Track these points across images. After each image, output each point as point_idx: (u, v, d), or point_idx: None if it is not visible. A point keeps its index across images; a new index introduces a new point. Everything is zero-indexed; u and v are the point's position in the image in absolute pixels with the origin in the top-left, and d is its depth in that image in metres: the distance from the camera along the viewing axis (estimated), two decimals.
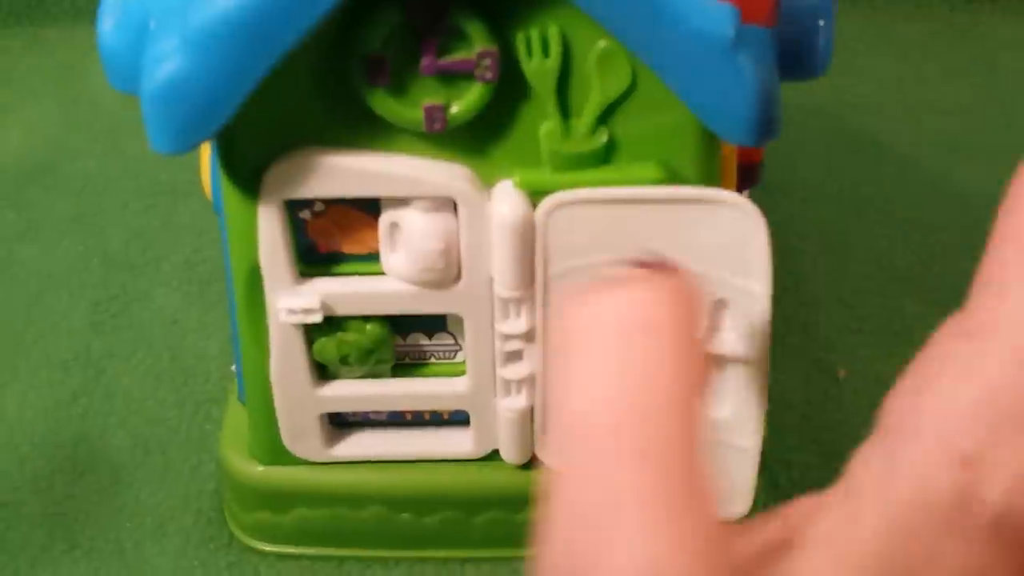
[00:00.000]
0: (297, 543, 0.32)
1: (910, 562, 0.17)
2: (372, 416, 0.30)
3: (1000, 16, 0.55)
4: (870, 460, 0.17)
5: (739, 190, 0.29)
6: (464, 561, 0.32)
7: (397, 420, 0.31)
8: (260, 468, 0.31)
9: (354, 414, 0.30)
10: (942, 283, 0.41)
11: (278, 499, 0.31)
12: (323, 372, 0.29)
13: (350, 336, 0.28)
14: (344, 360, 0.28)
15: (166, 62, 0.22)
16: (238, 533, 0.33)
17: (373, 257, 0.27)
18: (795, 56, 0.25)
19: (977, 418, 0.16)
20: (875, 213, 0.45)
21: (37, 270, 0.42)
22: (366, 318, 0.28)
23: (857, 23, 0.56)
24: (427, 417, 0.31)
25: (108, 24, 0.24)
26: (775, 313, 0.25)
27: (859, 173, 0.47)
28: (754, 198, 0.25)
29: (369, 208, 0.27)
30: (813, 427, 0.36)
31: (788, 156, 0.47)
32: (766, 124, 0.23)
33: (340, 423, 0.31)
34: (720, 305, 0.26)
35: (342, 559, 0.32)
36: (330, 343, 0.28)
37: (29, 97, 0.50)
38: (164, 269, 0.42)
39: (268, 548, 0.32)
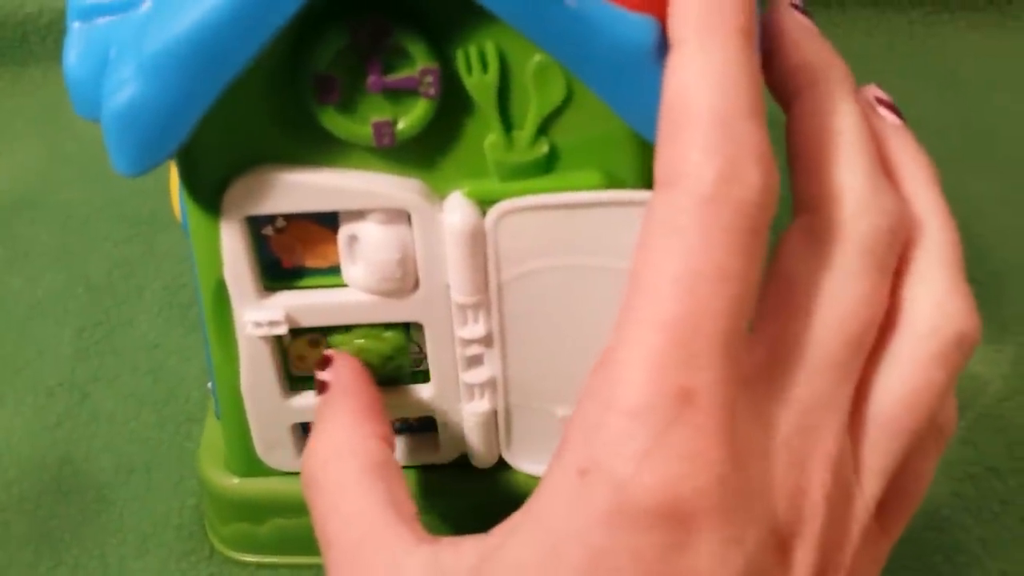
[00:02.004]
0: (275, 552, 0.33)
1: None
2: None
3: (959, 27, 0.56)
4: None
5: None
6: None
7: None
8: (236, 480, 0.32)
9: None
10: None
11: (254, 510, 0.32)
12: (293, 383, 0.30)
13: (369, 344, 0.29)
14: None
15: (123, 88, 0.23)
16: (218, 545, 0.34)
17: (335, 270, 0.28)
18: None
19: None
20: None
21: (24, 300, 0.43)
22: (386, 326, 0.29)
23: None
24: (396, 424, 0.32)
25: (72, 56, 0.25)
26: None
27: None
28: None
29: (329, 222, 0.28)
30: None
31: None
32: None
33: None
34: None
35: (319, 567, 0.33)
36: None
37: (13, 135, 0.51)
38: (146, 296, 0.43)
39: (248, 559, 0.33)
